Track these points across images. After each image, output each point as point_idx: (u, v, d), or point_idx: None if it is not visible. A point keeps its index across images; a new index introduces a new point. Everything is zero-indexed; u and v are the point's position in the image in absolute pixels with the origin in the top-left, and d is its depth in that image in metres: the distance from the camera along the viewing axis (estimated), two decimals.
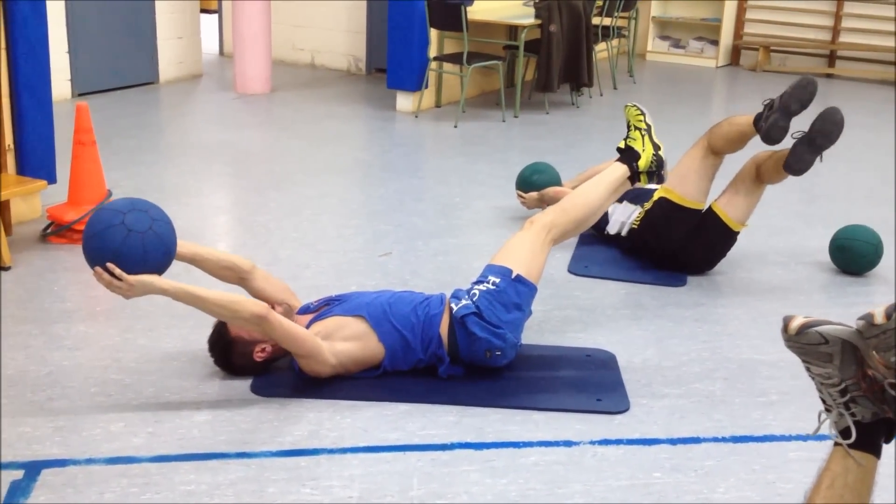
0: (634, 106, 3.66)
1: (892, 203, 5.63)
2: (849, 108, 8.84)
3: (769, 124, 3.83)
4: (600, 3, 8.36)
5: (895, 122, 7.95)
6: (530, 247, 3.24)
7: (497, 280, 3.14)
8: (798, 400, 3.17)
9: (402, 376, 3.14)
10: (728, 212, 4.13)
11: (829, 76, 10.31)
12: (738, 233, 4.20)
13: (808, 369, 1.76)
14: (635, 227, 4.34)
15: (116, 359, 3.27)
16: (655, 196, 4.23)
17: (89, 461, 2.65)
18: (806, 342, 1.68)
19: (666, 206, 4.18)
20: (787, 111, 3.82)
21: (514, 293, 3.13)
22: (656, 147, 3.55)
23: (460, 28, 7.03)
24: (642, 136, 3.55)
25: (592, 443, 2.85)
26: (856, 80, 10.13)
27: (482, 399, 3.05)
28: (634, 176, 3.53)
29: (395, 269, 4.20)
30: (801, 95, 3.81)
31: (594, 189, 3.45)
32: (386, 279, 4.06)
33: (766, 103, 3.93)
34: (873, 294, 4.17)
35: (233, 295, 2.93)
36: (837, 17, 10.27)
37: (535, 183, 4.85)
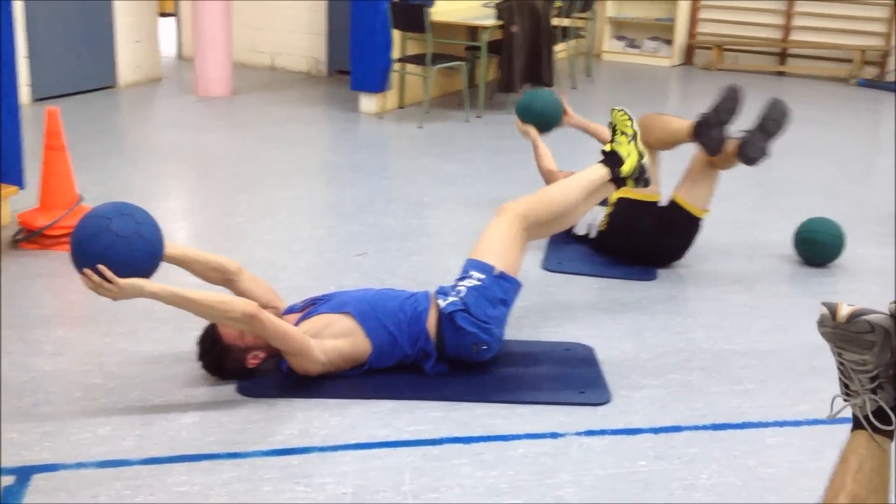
0: (622, 110, 3.67)
1: (850, 196, 5.79)
2: (801, 105, 9.08)
3: (709, 139, 4.06)
4: (559, 4, 8.45)
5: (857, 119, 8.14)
6: (505, 239, 3.28)
7: (481, 276, 3.19)
8: (772, 388, 3.26)
9: (387, 373, 3.18)
10: (690, 201, 4.24)
11: (780, 74, 10.52)
12: (702, 219, 4.30)
13: (839, 355, 1.81)
14: (603, 230, 4.42)
15: (99, 363, 3.26)
16: (613, 198, 4.34)
17: (80, 465, 2.65)
18: (855, 330, 1.74)
19: (627, 205, 4.29)
20: (722, 120, 4.06)
21: (499, 289, 3.19)
22: (640, 155, 3.55)
23: (423, 29, 7.07)
24: (628, 141, 3.56)
25: (578, 434, 2.91)
26: (807, 77, 10.34)
27: (467, 394, 3.10)
28: (617, 181, 3.55)
29: (371, 268, 4.24)
30: (730, 104, 4.07)
31: (571, 187, 3.46)
32: (363, 279, 4.08)
33: (702, 115, 4.10)
34: (837, 284, 4.29)
35: (221, 295, 2.95)
36: (788, 15, 10.48)
37: (534, 110, 4.76)
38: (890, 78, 9.98)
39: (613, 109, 3.73)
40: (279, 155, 6.26)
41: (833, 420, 3.04)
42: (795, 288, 4.27)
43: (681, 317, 3.86)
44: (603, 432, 2.93)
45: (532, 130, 4.82)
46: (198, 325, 3.13)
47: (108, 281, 2.77)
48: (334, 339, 3.10)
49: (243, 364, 3.09)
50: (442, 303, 3.16)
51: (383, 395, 3.08)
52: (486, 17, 7.93)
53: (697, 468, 2.75)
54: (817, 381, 3.32)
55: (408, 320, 3.15)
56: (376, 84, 7.47)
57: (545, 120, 4.82)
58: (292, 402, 3.03)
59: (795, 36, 10.51)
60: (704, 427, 2.99)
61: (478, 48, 7.85)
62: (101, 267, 2.77)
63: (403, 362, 3.18)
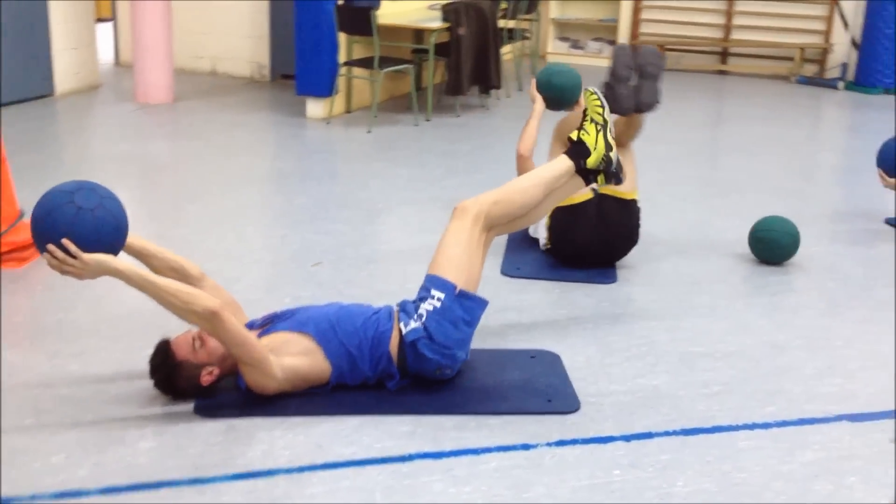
0: (595, 93, 3.46)
1: (799, 193, 5.84)
2: (744, 103, 9.20)
3: (617, 97, 4.12)
4: (505, 5, 8.43)
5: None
6: (465, 247, 3.14)
7: (441, 296, 3.05)
8: (738, 390, 3.24)
9: (350, 388, 3.09)
10: (616, 187, 4.11)
11: (723, 73, 10.63)
12: (636, 201, 4.25)
13: None
14: (549, 246, 4.37)
15: (48, 386, 3.12)
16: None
17: (34, 497, 2.52)
18: None
19: (561, 214, 4.22)
20: (622, 77, 4.15)
21: (461, 309, 3.07)
22: (608, 147, 3.38)
23: (370, 32, 6.98)
24: (597, 130, 3.39)
25: (549, 444, 2.85)
26: (748, 75, 10.46)
27: (434, 407, 3.03)
28: (584, 174, 3.40)
29: (328, 279, 4.14)
30: (623, 60, 4.15)
31: (532, 183, 3.33)
32: (320, 290, 3.99)
33: (603, 84, 4.16)
34: (793, 283, 4.31)
35: (188, 286, 2.84)
36: (729, 15, 10.60)
37: (555, 85, 4.43)
38: (829, 75, 10.14)
39: (586, 90, 3.52)
40: (226, 163, 6.13)
41: (801, 421, 3.07)
42: (753, 287, 4.28)
43: (643, 320, 3.84)
44: (574, 442, 2.88)
45: (539, 104, 4.50)
46: (149, 342, 3.02)
47: (73, 257, 2.67)
48: (293, 358, 2.99)
49: (197, 381, 2.97)
50: (404, 328, 3.04)
51: (348, 411, 2.99)
52: (432, 19, 7.87)
53: (672, 476, 2.71)
54: (782, 381, 3.32)
55: (370, 342, 3.04)
56: (323, 89, 7.36)
57: (561, 95, 4.47)
58: (254, 422, 2.92)
59: (736, 35, 10.63)
60: (675, 433, 2.95)
61: (424, 51, 7.79)
62: (66, 241, 2.67)
63: (366, 383, 3.09)
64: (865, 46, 9.62)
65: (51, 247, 2.69)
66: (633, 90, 4.15)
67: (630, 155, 4.27)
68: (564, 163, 3.38)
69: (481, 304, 3.15)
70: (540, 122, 4.50)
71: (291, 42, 8.62)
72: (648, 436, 2.93)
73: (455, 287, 3.07)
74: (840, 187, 6.17)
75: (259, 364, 2.89)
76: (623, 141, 4.24)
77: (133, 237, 2.96)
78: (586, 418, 3.02)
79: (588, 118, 3.43)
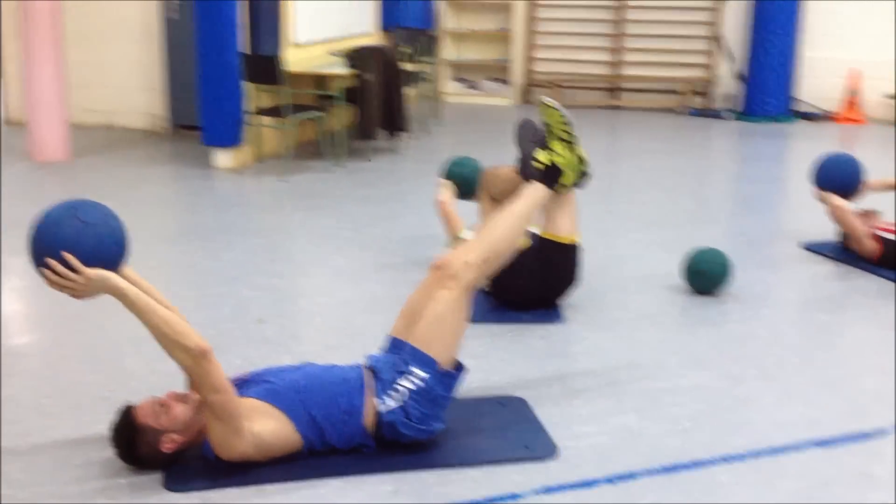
0: (558, 110, 3.34)
1: (716, 224, 6.01)
2: (640, 137, 9.43)
3: (530, 175, 3.89)
4: (407, 49, 8.46)
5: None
6: (453, 321, 3.01)
7: (424, 376, 2.94)
8: (706, 424, 3.28)
9: (323, 452, 2.98)
10: (554, 231, 4.10)
11: (616, 108, 10.91)
12: (576, 245, 4.21)
13: None
14: (489, 290, 4.35)
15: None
16: None
17: None
18: None
19: None
20: (528, 154, 3.80)
21: (443, 387, 2.98)
22: (582, 160, 3.28)
23: (276, 81, 6.89)
24: (566, 148, 3.30)
25: (537, 492, 2.82)
26: (640, 109, 10.77)
27: (413, 463, 2.95)
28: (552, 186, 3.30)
29: (274, 335, 4.02)
30: (527, 137, 3.79)
31: (513, 229, 3.25)
32: (268, 347, 3.86)
33: (517, 162, 3.92)
34: (732, 313, 4.40)
35: (182, 320, 2.74)
36: (618, 51, 10.91)
37: (461, 175, 4.83)
38: (717, 106, 10.53)
39: (547, 106, 3.35)
40: (137, 220, 5.78)
41: (773, 451, 3.11)
42: (695, 319, 4.35)
43: (598, 358, 3.85)
44: (561, 488, 2.85)
45: (447, 192, 4.77)
46: (98, 416, 2.86)
47: (75, 272, 2.58)
48: (262, 426, 2.86)
49: (157, 448, 2.82)
50: (380, 405, 2.94)
51: (326, 473, 2.89)
52: (335, 65, 7.84)
53: None
54: (745, 412, 3.37)
55: (341, 415, 2.92)
56: (230, 139, 7.22)
57: (465, 187, 4.82)
58: (228, 493, 2.79)
59: (626, 71, 10.94)
60: (657, 471, 2.95)
61: (330, 97, 7.74)
62: (68, 255, 2.59)
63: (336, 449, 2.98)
64: (750, 77, 10.03)
65: (51, 261, 2.60)
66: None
67: (568, 199, 4.26)
68: (539, 192, 3.30)
69: (461, 375, 3.07)
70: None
71: (189, 92, 8.50)
72: (631, 476, 2.93)
73: (438, 366, 2.97)
74: (752, 215, 6.37)
75: (232, 419, 2.77)
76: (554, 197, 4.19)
77: (126, 268, 2.84)
78: (567, 463, 3.00)
79: (554, 135, 3.30)
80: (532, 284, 4.19)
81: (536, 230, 4.15)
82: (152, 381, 3.53)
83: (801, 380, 3.65)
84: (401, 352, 3.05)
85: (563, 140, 3.31)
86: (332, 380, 3.01)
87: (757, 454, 3.06)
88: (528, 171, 3.75)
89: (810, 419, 3.31)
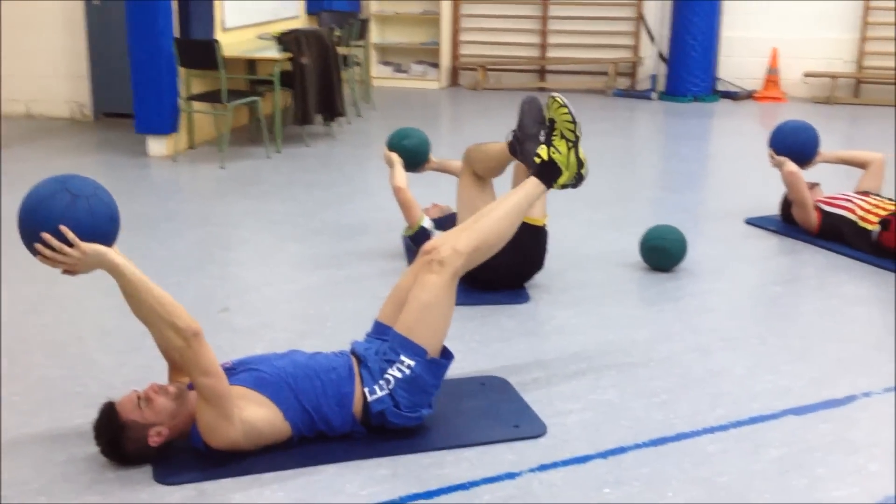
0: (565, 106, 3.25)
1: (660, 202, 6.12)
2: None
3: (525, 154, 3.79)
4: (339, 33, 8.37)
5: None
6: (444, 310, 2.98)
7: (412, 364, 2.92)
8: (684, 396, 3.35)
9: (314, 439, 2.95)
10: (529, 213, 4.16)
11: (542, 89, 10.99)
12: (545, 227, 4.29)
13: None
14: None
15: None
16: None
17: None
18: None
19: None
20: (530, 134, 3.75)
21: (431, 375, 2.97)
22: (581, 164, 3.27)
23: (214, 66, 6.75)
24: (569, 148, 3.25)
25: (532, 470, 2.84)
26: (566, 90, 10.86)
27: (407, 446, 2.95)
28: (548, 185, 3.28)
29: (241, 324, 3.95)
30: (532, 115, 3.73)
31: (507, 221, 3.20)
32: (238, 337, 3.80)
33: (512, 133, 3.85)
34: (689, 287, 4.49)
35: (173, 299, 2.68)
36: (544, 34, 11.00)
37: (407, 147, 4.84)
38: (641, 87, 10.72)
39: (554, 100, 3.27)
40: None
41: (752, 420, 3.20)
42: (656, 294, 4.43)
43: (569, 335, 3.90)
44: (555, 465, 2.88)
45: (397, 161, 4.76)
46: (74, 412, 2.78)
47: (70, 245, 2.52)
48: (251, 413, 2.81)
49: (145, 443, 2.76)
50: (369, 395, 2.92)
51: (320, 460, 2.86)
52: (267, 48, 7.71)
53: (660, 488, 2.76)
54: (719, 384, 3.46)
55: (331, 403, 2.90)
56: (165, 126, 7.05)
57: (412, 158, 4.85)
58: (223, 484, 2.74)
59: (553, 53, 11.04)
60: (646, 444, 3.01)
61: (263, 82, 7.62)
62: (64, 228, 2.52)
63: (326, 435, 2.95)
64: (673, 58, 10.23)
65: (46, 235, 2.53)
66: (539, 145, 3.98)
67: None
68: (536, 187, 3.27)
69: (449, 363, 3.06)
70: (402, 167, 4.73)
71: (114, 79, 8.30)
72: (622, 450, 2.98)
73: (426, 353, 2.95)
74: (691, 192, 6.51)
75: (222, 402, 2.72)
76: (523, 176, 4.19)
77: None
78: (556, 440, 3.03)
79: (557, 133, 3.26)
80: (501, 265, 4.20)
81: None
82: (124, 374, 3.46)
83: (766, 350, 3.76)
84: (388, 338, 3.03)
85: (566, 139, 3.27)
86: (319, 367, 2.97)
87: (738, 424, 3.14)
88: (522, 149, 3.72)
89: (781, 388, 3.41)
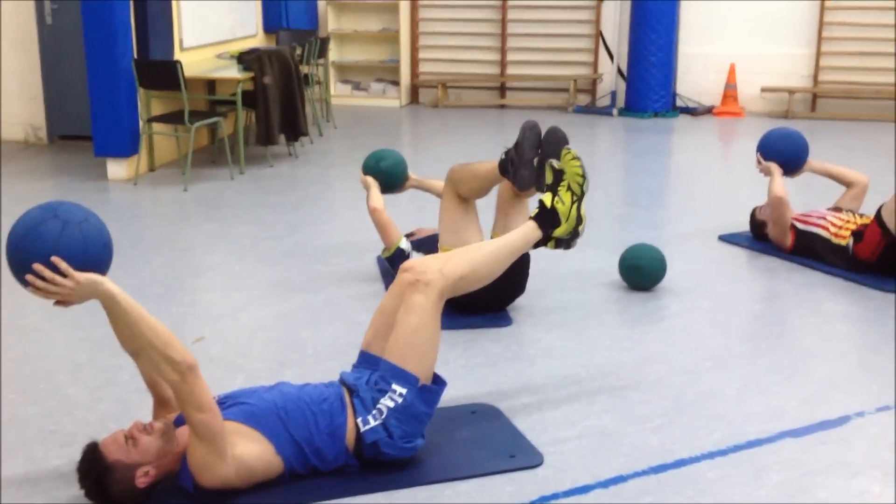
0: (578, 159, 3.25)
1: (630, 219, 6.10)
2: None
3: (518, 178, 3.82)
4: (299, 51, 8.27)
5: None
6: (431, 333, 2.91)
7: (403, 392, 2.84)
8: (679, 420, 3.30)
9: (306, 475, 2.84)
10: None
11: (502, 107, 10.98)
12: (527, 252, 4.24)
13: None
14: None
15: None
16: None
17: None
18: None
19: None
20: (526, 160, 3.80)
21: (423, 403, 2.88)
22: (580, 220, 3.22)
23: (176, 87, 6.61)
24: (573, 201, 3.21)
25: (533, 503, 2.76)
26: (527, 108, 10.87)
27: (402, 479, 2.86)
28: (544, 241, 3.24)
29: (219, 354, 3.83)
30: (531, 141, 3.78)
31: (500, 259, 3.15)
32: (216, 367, 3.67)
33: (505, 153, 3.90)
34: (670, 306, 4.45)
35: (168, 330, 2.57)
36: (503, 51, 10.98)
37: (383, 170, 4.80)
38: (601, 103, 10.74)
39: (569, 152, 3.27)
40: None
41: (750, 444, 3.15)
42: (638, 315, 4.37)
43: (556, 358, 3.83)
44: (556, 496, 2.81)
45: (374, 185, 4.72)
46: (52, 451, 2.65)
47: (62, 275, 2.41)
48: (242, 449, 2.71)
49: (132, 485, 2.64)
50: (362, 425, 2.83)
51: (313, 497, 2.76)
52: (227, 68, 7.59)
53: None
54: (712, 406, 3.41)
55: (323, 436, 2.80)
56: (125, 148, 6.89)
57: (390, 180, 4.81)
58: None
59: (512, 70, 11.03)
60: (645, 472, 2.95)
61: (224, 102, 7.49)
62: (56, 259, 2.41)
63: (318, 470, 2.85)
64: (632, 74, 10.27)
65: (38, 266, 2.42)
66: (534, 172, 3.86)
67: (524, 204, 4.23)
68: (533, 232, 3.20)
69: (441, 389, 2.98)
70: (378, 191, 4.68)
71: (69, 100, 8.11)
72: (622, 479, 2.91)
73: (418, 381, 2.87)
74: (662, 208, 6.51)
75: (216, 439, 2.61)
76: (521, 194, 4.13)
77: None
78: (555, 469, 2.96)
79: (564, 184, 3.22)
80: (488, 288, 4.12)
81: (492, 235, 4.12)
82: (100, 410, 3.34)
83: (754, 370, 3.73)
84: (377, 367, 2.94)
85: (572, 191, 3.22)
86: (310, 399, 2.88)
87: (736, 448, 3.10)
88: (515, 173, 3.73)
89: (775, 409, 3.38)
